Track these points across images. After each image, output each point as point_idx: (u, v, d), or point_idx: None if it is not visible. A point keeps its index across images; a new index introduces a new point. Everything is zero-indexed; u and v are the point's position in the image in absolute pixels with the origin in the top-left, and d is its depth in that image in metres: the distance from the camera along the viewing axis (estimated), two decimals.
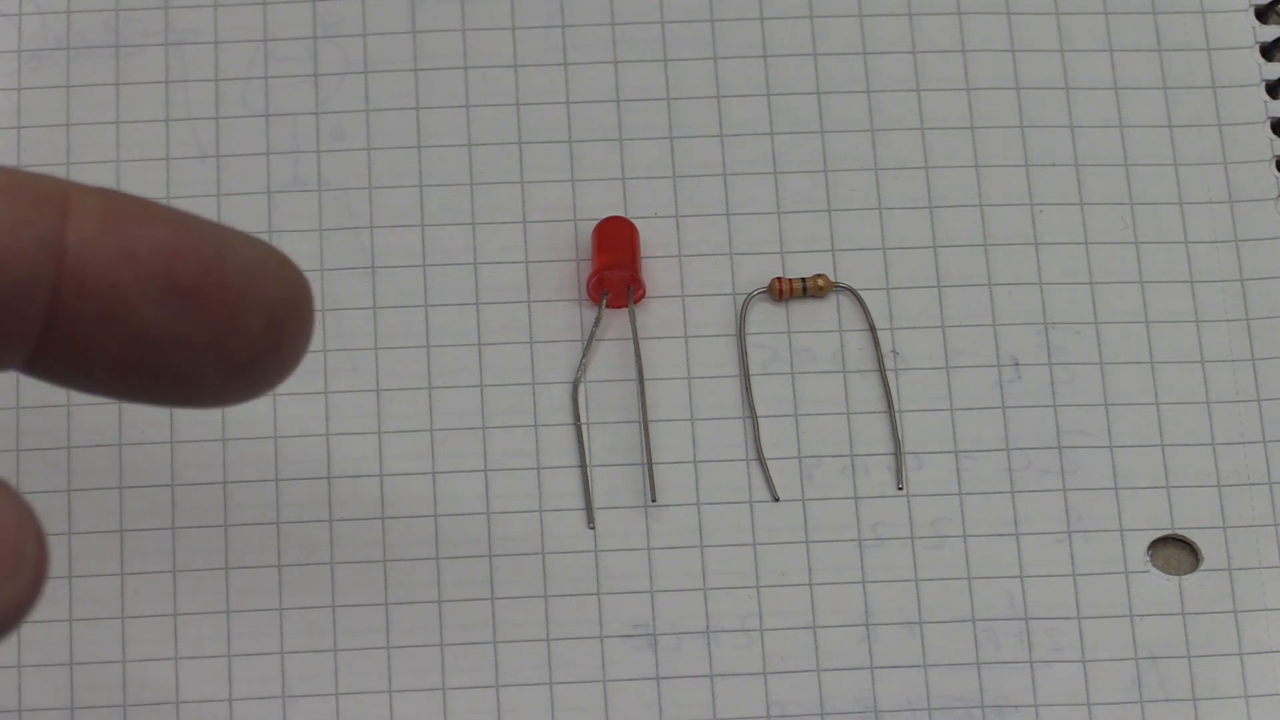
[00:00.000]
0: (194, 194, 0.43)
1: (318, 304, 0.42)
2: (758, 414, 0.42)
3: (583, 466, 0.41)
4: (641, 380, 0.42)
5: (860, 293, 0.43)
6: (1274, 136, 0.44)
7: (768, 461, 0.41)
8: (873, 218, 0.43)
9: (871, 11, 0.45)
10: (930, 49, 0.44)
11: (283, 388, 0.41)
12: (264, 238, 0.42)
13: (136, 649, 0.40)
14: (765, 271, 0.43)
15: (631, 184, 0.43)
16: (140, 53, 0.44)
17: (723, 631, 0.40)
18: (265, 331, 0.22)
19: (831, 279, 0.43)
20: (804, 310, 0.43)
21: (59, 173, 0.43)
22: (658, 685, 0.40)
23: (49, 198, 0.20)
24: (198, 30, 0.44)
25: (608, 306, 0.42)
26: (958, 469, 0.41)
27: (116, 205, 0.21)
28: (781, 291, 0.42)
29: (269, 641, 0.40)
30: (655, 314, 0.42)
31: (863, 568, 0.41)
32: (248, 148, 0.43)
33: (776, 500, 0.41)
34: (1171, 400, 0.42)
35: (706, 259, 0.43)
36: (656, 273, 0.43)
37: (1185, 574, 0.41)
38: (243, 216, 0.43)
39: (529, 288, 0.43)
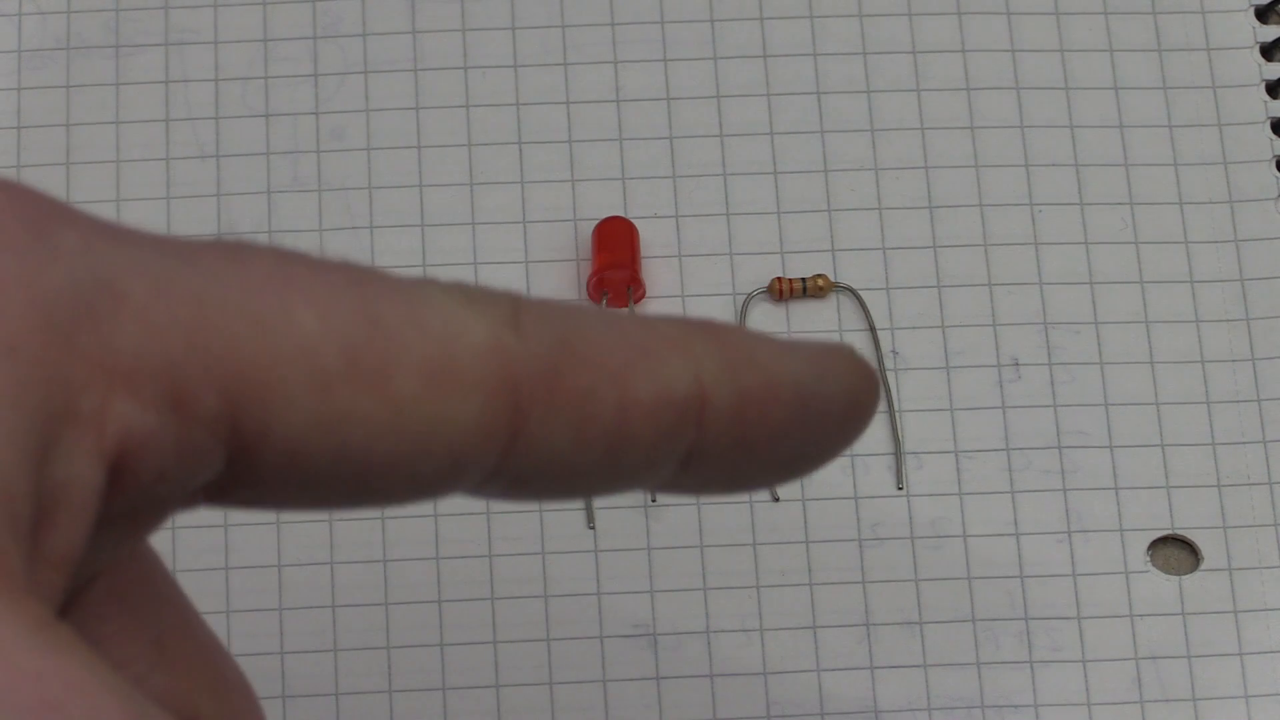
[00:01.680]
0: (194, 194, 0.43)
1: None
2: None
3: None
4: None
5: (860, 293, 0.43)
6: (1274, 136, 0.44)
7: None
8: (873, 218, 0.43)
9: (871, 11, 0.45)
10: (930, 49, 0.44)
11: None
12: (264, 238, 0.42)
13: None
14: (765, 271, 0.43)
15: (631, 184, 0.43)
16: (140, 53, 0.44)
17: (723, 631, 0.40)
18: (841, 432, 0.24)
19: (831, 279, 0.43)
20: (804, 310, 0.43)
21: (59, 172, 0.43)
22: (658, 685, 0.40)
23: (688, 405, 0.22)
24: (198, 30, 0.44)
25: (608, 306, 0.42)
26: (958, 469, 0.41)
27: (743, 388, 0.23)
28: (781, 291, 0.42)
29: (269, 641, 0.40)
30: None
31: (863, 568, 0.41)
32: (248, 148, 0.43)
33: (776, 500, 0.41)
34: (1171, 400, 0.42)
35: (706, 259, 0.43)
36: (656, 273, 0.43)
37: (1185, 574, 0.41)
38: (243, 216, 0.43)
39: (529, 288, 0.43)
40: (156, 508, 0.21)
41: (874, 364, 0.29)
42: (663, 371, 0.22)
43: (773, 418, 0.23)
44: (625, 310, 0.23)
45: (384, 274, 0.21)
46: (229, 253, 0.21)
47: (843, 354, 0.24)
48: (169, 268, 0.20)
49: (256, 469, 0.21)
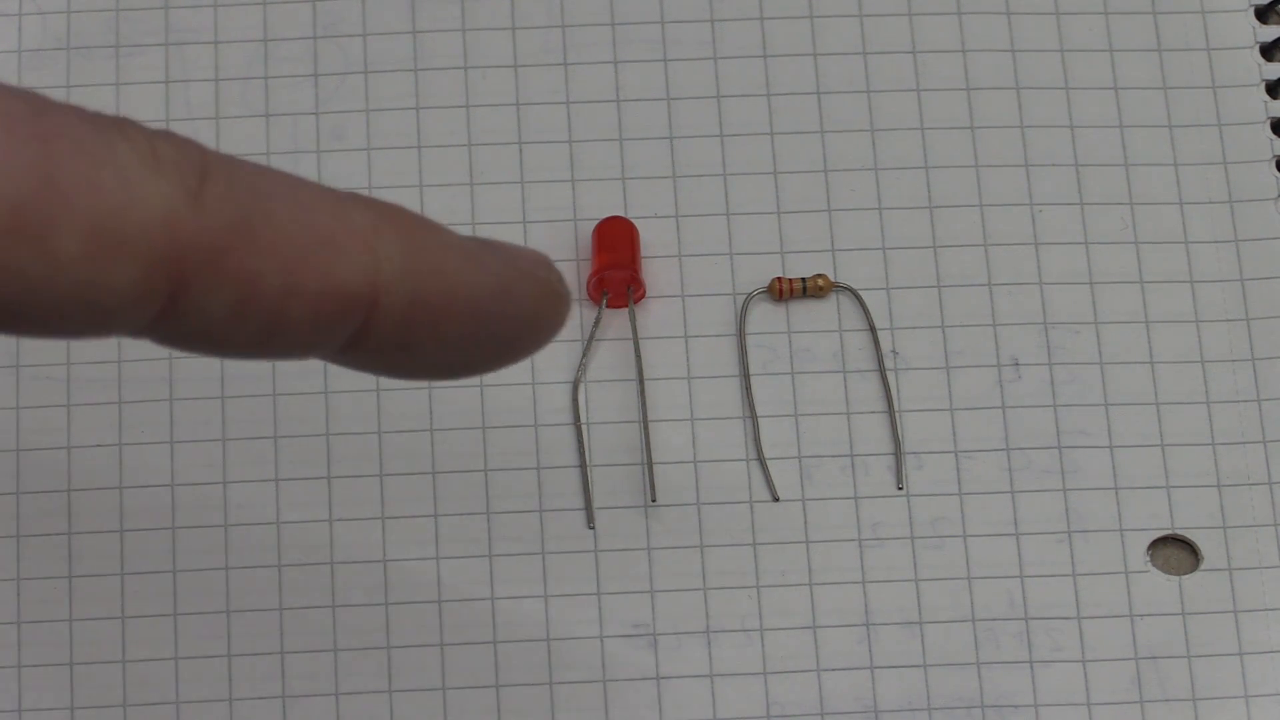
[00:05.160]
0: None
1: None
2: (758, 414, 0.42)
3: (583, 466, 0.41)
4: (641, 380, 0.42)
5: (860, 293, 0.43)
6: (1274, 136, 0.44)
7: (768, 461, 0.41)
8: (873, 218, 0.43)
9: (871, 11, 0.45)
10: (930, 49, 0.44)
11: (282, 388, 0.41)
12: None
13: (136, 649, 0.40)
14: (765, 271, 0.43)
15: (631, 184, 0.43)
16: (140, 53, 0.44)
17: (723, 631, 0.40)
18: (529, 336, 0.25)
19: (831, 279, 0.43)
20: (804, 310, 0.43)
21: None
22: (658, 685, 0.40)
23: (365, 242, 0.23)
24: (198, 30, 0.44)
25: (608, 306, 0.42)
26: (958, 469, 0.41)
27: (418, 253, 0.23)
28: (781, 291, 0.42)
29: (269, 641, 0.40)
30: (655, 314, 0.42)
31: (863, 568, 0.41)
32: (248, 148, 0.43)
33: (776, 500, 0.41)
34: (1171, 400, 0.42)
35: (706, 259, 0.43)
36: (656, 273, 0.43)
37: (1185, 574, 0.41)
38: None
39: None
40: None
41: (571, 288, 0.29)
42: (338, 266, 0.22)
43: (442, 328, 0.23)
44: (321, 187, 0.23)
45: (77, 123, 0.21)
46: None
47: (537, 274, 0.24)
48: None
49: None
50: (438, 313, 0.23)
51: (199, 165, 0.22)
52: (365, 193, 0.43)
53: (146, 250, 0.21)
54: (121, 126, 0.21)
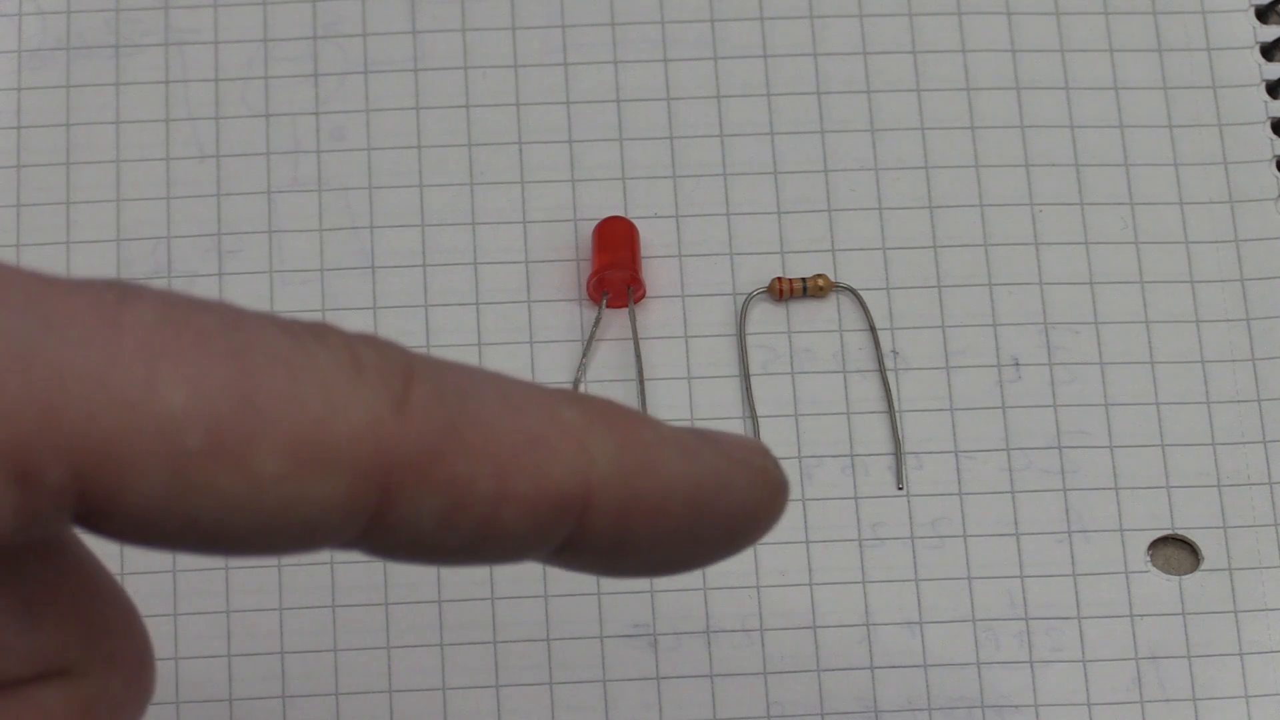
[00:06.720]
0: (194, 194, 0.43)
1: (318, 304, 0.42)
2: (758, 414, 0.42)
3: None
4: (641, 380, 0.42)
5: (860, 293, 0.43)
6: (1274, 136, 0.44)
7: None
8: (873, 218, 0.43)
9: (871, 11, 0.45)
10: (930, 49, 0.44)
11: None
12: (264, 238, 0.42)
13: None
14: (765, 271, 0.43)
15: (631, 184, 0.43)
16: (140, 53, 0.44)
17: (723, 631, 0.40)
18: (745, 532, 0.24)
19: (831, 279, 0.43)
20: (804, 310, 0.43)
21: (59, 172, 0.43)
22: (658, 685, 0.40)
23: (571, 500, 0.21)
24: (198, 30, 0.44)
25: (608, 306, 0.42)
26: (958, 469, 0.41)
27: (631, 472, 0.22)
28: (781, 291, 0.42)
29: (269, 641, 0.40)
30: (655, 314, 0.42)
31: (863, 568, 0.41)
32: (248, 148, 0.43)
33: None
34: (1171, 400, 0.42)
35: (706, 259, 0.43)
36: (656, 273, 0.43)
37: (1185, 574, 0.41)
38: (243, 216, 0.43)
39: (529, 288, 0.43)
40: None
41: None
42: (550, 466, 0.21)
43: (660, 526, 0.22)
44: (528, 385, 0.22)
45: (273, 334, 0.20)
46: (106, 310, 0.20)
47: (753, 463, 0.23)
48: (33, 334, 0.19)
49: (104, 527, 0.20)
50: (654, 511, 0.22)
51: (403, 369, 0.21)
52: (365, 193, 0.43)
53: (352, 463, 0.20)
54: (320, 333, 0.20)
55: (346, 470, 0.20)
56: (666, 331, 0.42)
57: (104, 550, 0.41)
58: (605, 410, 0.22)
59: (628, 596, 0.40)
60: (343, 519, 0.20)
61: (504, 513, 0.21)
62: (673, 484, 0.22)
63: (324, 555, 0.40)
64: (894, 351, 0.42)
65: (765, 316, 0.43)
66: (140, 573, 0.40)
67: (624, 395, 0.42)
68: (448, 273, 0.43)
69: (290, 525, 0.20)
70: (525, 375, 0.42)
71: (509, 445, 0.21)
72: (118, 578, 0.41)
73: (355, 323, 0.42)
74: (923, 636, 0.40)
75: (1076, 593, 0.41)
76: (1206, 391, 0.42)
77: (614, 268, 0.42)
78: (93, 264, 0.42)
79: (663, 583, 0.41)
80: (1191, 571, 0.41)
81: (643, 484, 0.22)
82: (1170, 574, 0.41)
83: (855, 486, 0.41)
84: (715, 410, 0.42)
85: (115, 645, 0.23)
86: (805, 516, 0.41)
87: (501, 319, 0.42)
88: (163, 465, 0.19)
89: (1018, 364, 0.42)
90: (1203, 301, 0.43)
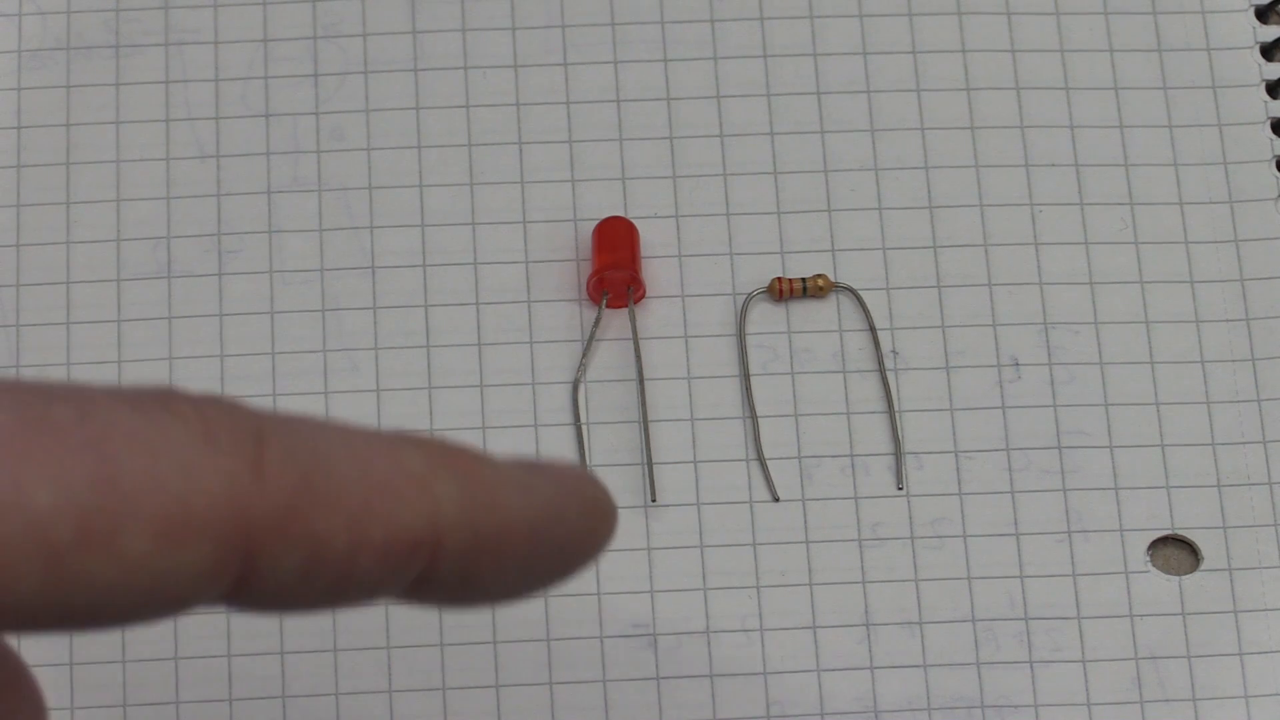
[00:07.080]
0: (194, 194, 0.43)
1: (318, 304, 0.42)
2: (758, 414, 0.42)
3: (583, 467, 0.41)
4: (641, 380, 0.42)
5: (860, 293, 0.43)
6: (1274, 136, 0.44)
7: (768, 461, 0.41)
8: (873, 218, 0.43)
9: (871, 11, 0.45)
10: (930, 49, 0.44)
11: (282, 388, 0.41)
12: (264, 238, 0.42)
13: (137, 649, 0.40)
14: (765, 271, 0.43)
15: (631, 184, 0.43)
16: (140, 53, 0.44)
17: (723, 631, 0.40)
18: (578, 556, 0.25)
19: (831, 279, 0.43)
20: (804, 310, 0.43)
21: (59, 173, 0.43)
22: (658, 685, 0.40)
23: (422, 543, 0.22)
24: (198, 30, 0.44)
25: (608, 306, 0.42)
26: (958, 469, 0.41)
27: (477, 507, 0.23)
28: (781, 291, 0.42)
29: (269, 641, 0.40)
30: (655, 314, 0.42)
31: (863, 568, 0.41)
32: (248, 148, 0.43)
33: (776, 500, 0.41)
34: (1171, 400, 0.42)
35: (706, 259, 0.43)
36: (656, 273, 0.43)
37: (1185, 574, 0.41)
38: (243, 216, 0.43)
39: (529, 288, 0.43)
40: None
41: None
42: (400, 514, 0.22)
43: (504, 558, 0.23)
44: (372, 433, 0.22)
45: (125, 414, 0.21)
46: None
47: (584, 492, 0.24)
48: None
49: None
50: (497, 545, 0.23)
51: (253, 431, 0.21)
52: (365, 193, 0.43)
53: (215, 531, 0.21)
54: (167, 403, 0.21)
55: (210, 539, 0.21)
56: (666, 331, 0.42)
57: None
58: (446, 453, 0.23)
59: (628, 597, 0.40)
60: (210, 584, 0.21)
61: (360, 560, 0.22)
62: (513, 519, 0.23)
63: None
64: (894, 351, 0.42)
65: (765, 316, 0.43)
66: None
67: (624, 395, 0.42)
68: (448, 273, 0.43)
69: (161, 597, 0.21)
70: (525, 375, 0.42)
71: (360, 496, 0.22)
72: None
73: (355, 322, 0.42)
74: (923, 636, 0.40)
75: (1076, 593, 0.41)
76: (1206, 391, 0.42)
77: (614, 268, 0.42)
78: (93, 264, 0.42)
79: (663, 583, 0.41)
80: (1191, 571, 0.41)
81: (486, 521, 0.23)
82: (1170, 574, 0.41)
83: (855, 486, 0.41)
84: (715, 410, 0.42)
85: (9, 704, 0.23)
86: (805, 516, 0.41)
87: (501, 319, 0.42)
88: (38, 561, 0.20)
89: (1017, 364, 0.42)
90: (1202, 301, 0.43)
